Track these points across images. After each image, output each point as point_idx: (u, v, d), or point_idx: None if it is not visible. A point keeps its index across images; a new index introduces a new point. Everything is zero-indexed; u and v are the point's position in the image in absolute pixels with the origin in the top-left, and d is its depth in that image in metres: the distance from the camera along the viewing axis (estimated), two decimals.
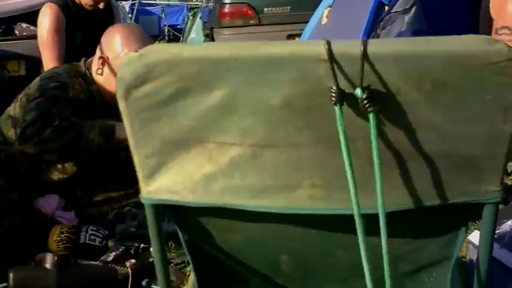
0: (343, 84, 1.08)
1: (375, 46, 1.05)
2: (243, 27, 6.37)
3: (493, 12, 2.28)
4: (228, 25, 6.40)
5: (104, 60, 2.78)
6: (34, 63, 5.87)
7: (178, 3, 16.11)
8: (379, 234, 1.19)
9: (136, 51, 1.14)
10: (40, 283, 2.05)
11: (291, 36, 6.34)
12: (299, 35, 6.15)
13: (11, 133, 2.77)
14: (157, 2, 15.69)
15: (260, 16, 6.39)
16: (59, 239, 2.57)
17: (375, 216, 1.17)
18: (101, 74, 2.79)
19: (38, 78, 2.84)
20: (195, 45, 1.17)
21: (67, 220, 2.78)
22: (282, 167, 1.19)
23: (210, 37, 7.23)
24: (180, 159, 1.22)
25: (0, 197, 2.66)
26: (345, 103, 1.09)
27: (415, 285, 1.37)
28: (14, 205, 2.65)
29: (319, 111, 1.12)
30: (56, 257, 2.07)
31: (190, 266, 1.44)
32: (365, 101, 1.07)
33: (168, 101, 1.15)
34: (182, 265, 2.32)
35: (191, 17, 12.13)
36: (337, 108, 1.08)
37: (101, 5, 3.89)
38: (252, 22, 6.38)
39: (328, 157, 1.17)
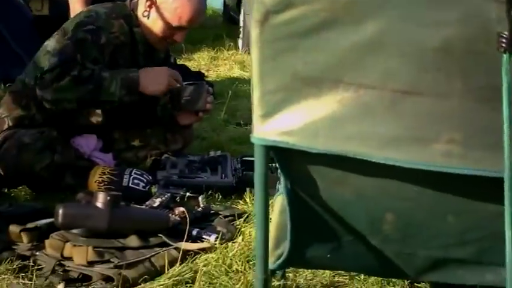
0: None
1: None
2: None
3: None
4: None
5: (152, 3, 2.66)
6: (57, 3, 5.74)
7: None
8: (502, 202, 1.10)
9: None
10: (91, 222, 1.95)
11: None
12: None
13: None
14: None
15: None
16: (100, 179, 2.47)
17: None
18: (147, 17, 2.67)
19: (77, 14, 2.74)
20: None
21: (104, 162, 2.68)
22: (421, 117, 1.10)
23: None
24: (307, 98, 1.12)
25: (40, 131, 2.56)
26: None
27: None
28: (53, 141, 2.55)
29: (479, 58, 1.02)
30: (108, 196, 1.97)
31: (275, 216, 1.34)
32: None
33: (309, 31, 1.05)
34: (231, 218, 2.23)
35: None
36: (505, 56, 0.98)
37: None
38: None
39: (474, 111, 1.08)
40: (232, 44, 6.70)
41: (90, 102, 2.49)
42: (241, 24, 6.71)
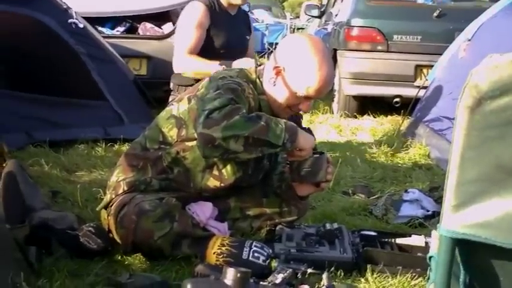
0: None
1: None
2: (370, 52, 6.14)
3: None
4: (355, 48, 6.17)
5: (279, 71, 2.60)
6: (155, 63, 5.87)
7: (281, 20, 16.15)
8: None
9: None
10: None
11: (419, 67, 6.10)
12: (428, 66, 5.91)
13: (173, 133, 2.64)
14: (262, 18, 15.76)
15: (389, 43, 6.15)
16: (219, 251, 2.39)
17: None
18: (273, 84, 2.62)
19: (207, 80, 2.69)
20: None
21: (219, 231, 2.61)
22: None
23: None
24: (508, 190, 1.02)
25: (159, 197, 2.52)
26: None
27: None
28: (173, 208, 2.49)
29: None
30: (238, 273, 1.89)
31: None
32: None
33: None
34: None
35: None
36: None
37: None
38: (379, 48, 6.15)
39: None
40: (327, 107, 6.66)
41: (257, 141, 2.38)
42: (335, 87, 6.68)
